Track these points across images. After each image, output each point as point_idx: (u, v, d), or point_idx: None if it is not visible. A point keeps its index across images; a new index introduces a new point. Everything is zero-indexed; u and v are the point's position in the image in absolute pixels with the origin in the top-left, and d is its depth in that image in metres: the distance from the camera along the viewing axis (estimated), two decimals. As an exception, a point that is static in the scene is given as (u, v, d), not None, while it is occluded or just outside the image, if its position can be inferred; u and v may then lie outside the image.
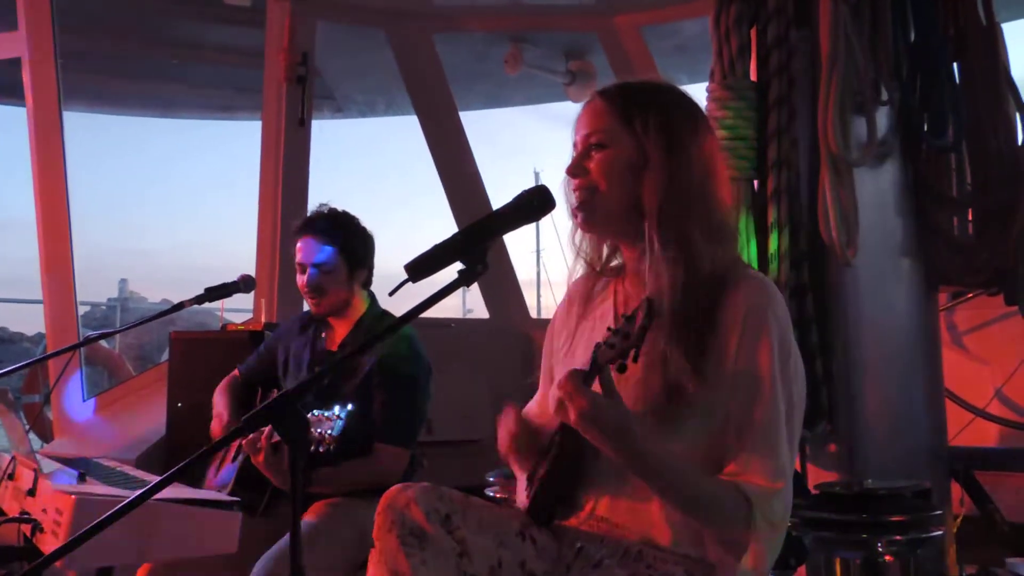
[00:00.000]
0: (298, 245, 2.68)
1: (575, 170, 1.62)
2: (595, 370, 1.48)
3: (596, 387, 1.47)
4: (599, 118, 1.62)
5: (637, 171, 1.58)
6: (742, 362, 1.51)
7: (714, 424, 1.52)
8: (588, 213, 1.62)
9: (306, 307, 2.81)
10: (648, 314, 1.43)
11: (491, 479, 2.61)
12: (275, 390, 2.82)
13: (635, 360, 1.45)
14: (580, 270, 1.76)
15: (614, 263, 1.75)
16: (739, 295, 1.54)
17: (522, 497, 1.70)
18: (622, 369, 1.46)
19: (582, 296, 1.77)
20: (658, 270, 1.54)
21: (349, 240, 2.67)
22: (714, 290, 1.55)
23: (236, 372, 2.92)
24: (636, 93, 1.63)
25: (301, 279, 2.68)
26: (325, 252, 2.64)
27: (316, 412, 2.15)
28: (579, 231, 1.70)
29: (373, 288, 2.79)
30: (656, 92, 1.64)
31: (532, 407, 1.84)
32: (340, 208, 2.72)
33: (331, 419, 2.19)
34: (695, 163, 1.58)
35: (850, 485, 2.15)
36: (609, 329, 1.48)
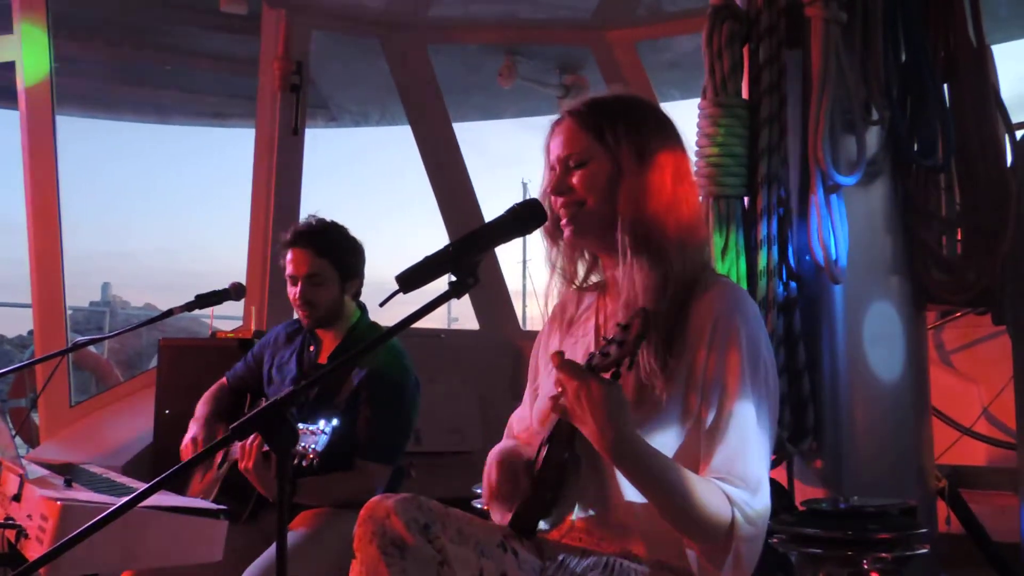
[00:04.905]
0: (288, 257, 2.66)
1: (561, 188, 1.64)
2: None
3: None
4: (573, 139, 1.65)
5: (615, 182, 1.61)
6: (712, 370, 1.53)
7: (684, 433, 1.54)
8: (577, 227, 1.64)
9: (296, 315, 2.81)
10: (644, 322, 1.45)
11: (479, 491, 2.60)
12: (263, 398, 2.81)
13: (629, 368, 1.47)
14: (557, 286, 1.77)
15: (594, 279, 1.76)
16: (707, 302, 1.57)
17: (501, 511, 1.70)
18: (616, 377, 1.47)
19: (565, 315, 1.79)
20: (632, 274, 1.57)
21: (340, 251, 2.66)
22: (683, 295, 1.58)
23: (224, 381, 2.91)
24: (604, 107, 1.66)
25: (293, 291, 2.66)
26: (317, 264, 2.62)
27: (301, 425, 2.15)
28: (553, 248, 1.73)
29: (366, 297, 2.79)
30: (624, 104, 1.68)
31: (515, 424, 1.84)
32: (329, 219, 2.72)
33: (315, 433, 2.18)
34: (666, 169, 1.62)
35: (836, 502, 2.16)
36: (604, 338, 1.50)
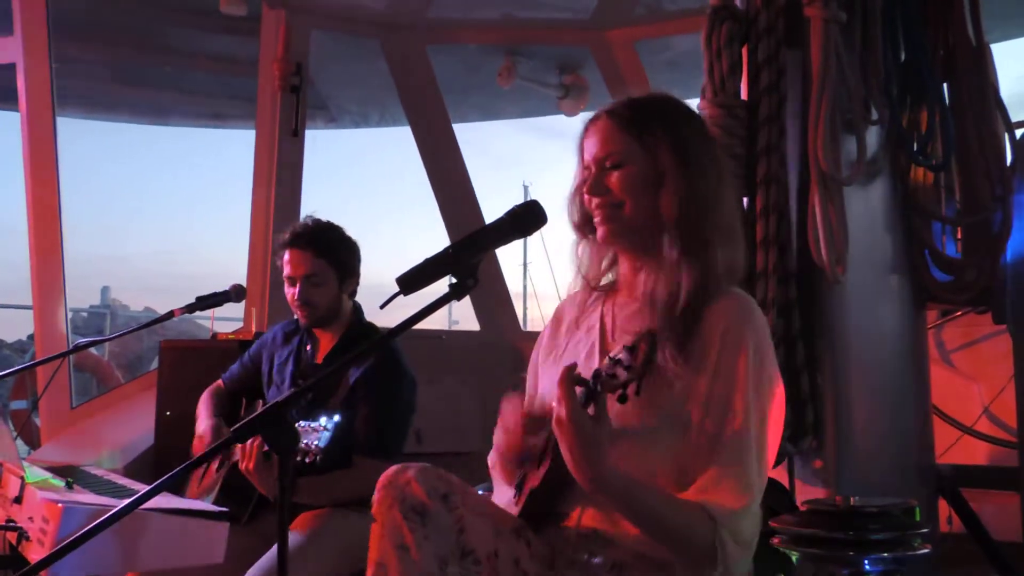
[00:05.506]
0: (285, 258, 2.67)
1: (597, 189, 1.65)
2: (591, 395, 1.49)
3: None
4: (611, 139, 1.65)
5: (655, 185, 1.62)
6: (719, 378, 1.54)
7: (687, 438, 1.54)
8: (613, 228, 1.65)
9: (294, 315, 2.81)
10: (651, 347, 1.45)
11: (480, 491, 2.61)
12: (259, 401, 2.81)
13: (637, 393, 1.47)
14: (578, 284, 1.78)
15: (607, 280, 1.77)
16: (719, 311, 1.58)
17: (507, 506, 1.71)
18: (623, 400, 1.48)
19: (565, 319, 1.80)
20: (677, 275, 1.58)
21: (337, 250, 2.68)
22: (700, 302, 1.58)
23: (220, 383, 2.91)
24: (643, 110, 1.67)
25: (291, 292, 2.67)
26: (315, 264, 2.63)
27: (303, 423, 2.16)
28: (581, 243, 1.74)
29: (366, 299, 2.80)
30: (662, 106, 1.69)
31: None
32: (325, 219, 2.73)
33: (318, 430, 2.19)
34: (707, 171, 1.63)
35: (837, 502, 2.16)
36: (610, 358, 1.49)
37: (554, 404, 1.47)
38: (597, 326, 1.72)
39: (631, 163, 1.63)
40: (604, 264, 1.76)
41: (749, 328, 1.57)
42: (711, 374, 1.54)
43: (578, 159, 1.71)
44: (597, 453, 1.45)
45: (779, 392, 1.60)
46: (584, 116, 1.75)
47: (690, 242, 1.58)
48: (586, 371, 1.52)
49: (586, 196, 1.66)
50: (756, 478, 1.53)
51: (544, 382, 1.77)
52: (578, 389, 1.48)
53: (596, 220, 1.66)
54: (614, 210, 1.64)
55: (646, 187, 1.62)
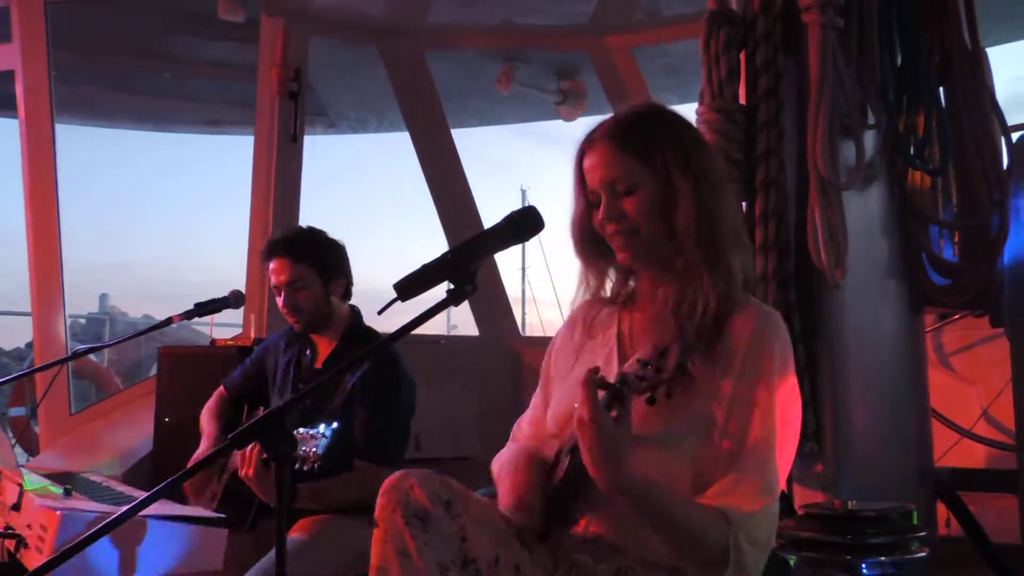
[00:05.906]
0: (270, 268, 2.70)
1: (613, 215, 1.65)
2: (616, 397, 1.49)
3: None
4: (618, 164, 1.64)
5: (667, 206, 1.62)
6: (744, 379, 1.55)
7: (708, 441, 1.55)
8: (633, 252, 1.66)
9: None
10: (684, 353, 1.46)
11: (481, 495, 2.60)
12: (261, 407, 2.81)
13: (668, 396, 1.48)
14: (582, 297, 1.79)
15: (623, 290, 1.77)
16: (744, 319, 1.60)
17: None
18: (652, 401, 1.49)
19: (586, 320, 1.80)
20: (701, 285, 1.60)
21: (317, 253, 2.69)
22: (723, 311, 1.60)
23: (223, 390, 2.91)
24: (642, 128, 1.66)
25: (279, 301, 2.70)
26: (295, 270, 2.65)
27: (301, 430, 2.16)
28: (588, 267, 1.75)
29: (365, 304, 2.80)
30: (659, 121, 1.68)
31: (524, 428, 1.85)
32: (305, 225, 2.75)
33: (316, 437, 2.19)
34: (712, 180, 1.64)
35: (835, 506, 2.16)
36: (639, 360, 1.49)
37: (576, 406, 1.47)
38: (615, 336, 1.73)
39: (642, 187, 1.63)
40: (611, 283, 1.77)
41: (773, 335, 1.59)
42: (736, 375, 1.55)
43: (575, 181, 1.70)
44: (618, 455, 1.45)
45: (798, 399, 1.62)
46: (582, 126, 1.73)
47: (707, 253, 1.60)
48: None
49: (599, 221, 1.66)
50: (774, 481, 1.54)
51: (559, 390, 1.77)
52: (600, 393, 1.48)
53: (614, 245, 1.66)
54: (632, 236, 1.64)
55: (659, 209, 1.62)
